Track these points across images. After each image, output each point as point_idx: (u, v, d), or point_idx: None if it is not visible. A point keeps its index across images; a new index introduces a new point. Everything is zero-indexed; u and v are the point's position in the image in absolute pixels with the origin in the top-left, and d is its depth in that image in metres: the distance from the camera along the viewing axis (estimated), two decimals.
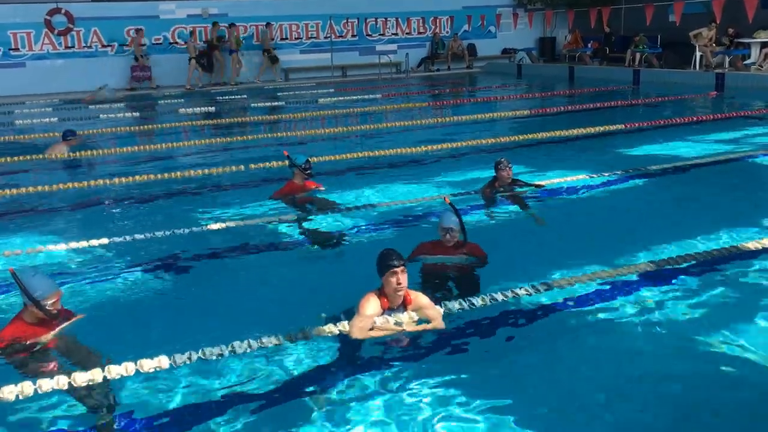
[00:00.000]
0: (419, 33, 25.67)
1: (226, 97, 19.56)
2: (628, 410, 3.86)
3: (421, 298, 4.54)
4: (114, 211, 8.20)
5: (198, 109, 17.13)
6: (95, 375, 4.01)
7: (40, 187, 9.10)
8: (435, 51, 25.38)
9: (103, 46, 21.66)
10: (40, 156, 11.21)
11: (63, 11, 21.00)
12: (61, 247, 6.58)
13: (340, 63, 24.16)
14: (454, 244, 5.37)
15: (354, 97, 18.74)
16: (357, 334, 4.31)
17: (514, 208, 7.50)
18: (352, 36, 24.49)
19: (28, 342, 4.24)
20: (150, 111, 17.69)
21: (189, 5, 22.49)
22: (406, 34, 25.46)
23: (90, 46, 21.55)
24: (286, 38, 23.63)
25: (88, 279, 5.90)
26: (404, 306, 4.49)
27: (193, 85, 21.51)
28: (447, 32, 25.93)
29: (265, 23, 22.88)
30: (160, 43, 22.18)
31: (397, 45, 25.18)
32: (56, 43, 21.20)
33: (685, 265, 5.64)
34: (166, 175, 9.64)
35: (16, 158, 11.20)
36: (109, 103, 18.07)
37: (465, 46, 25.64)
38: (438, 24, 25.84)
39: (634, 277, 5.43)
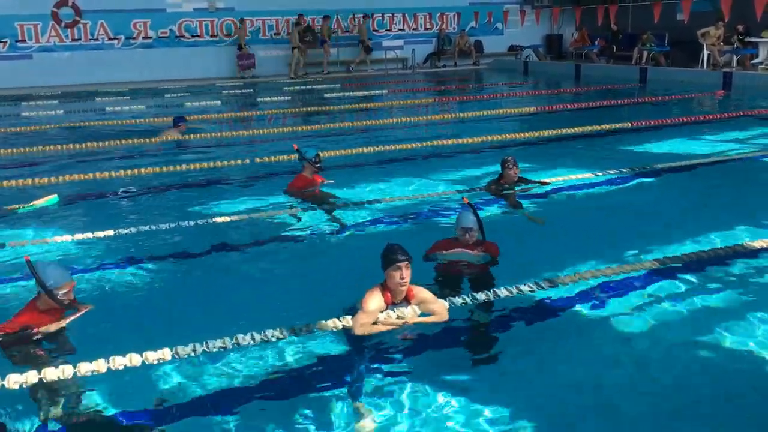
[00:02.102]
0: (426, 29, 25.64)
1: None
2: (633, 405, 3.86)
3: (423, 293, 4.54)
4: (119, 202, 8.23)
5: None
6: (99, 366, 4.02)
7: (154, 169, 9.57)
8: (441, 47, 25.33)
9: (110, 38, 21.69)
10: (153, 140, 11.86)
11: (70, 3, 21.05)
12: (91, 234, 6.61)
13: (345, 58, 24.14)
14: (473, 242, 5.36)
15: (360, 93, 18.71)
16: (360, 330, 4.31)
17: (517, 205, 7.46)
18: (359, 32, 24.45)
19: (39, 329, 4.28)
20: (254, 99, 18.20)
21: None
22: (413, 29, 25.43)
23: (97, 39, 21.58)
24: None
25: (103, 267, 5.94)
26: (407, 300, 4.49)
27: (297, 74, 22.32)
28: (454, 28, 25.88)
29: (362, 15, 23.58)
30: (167, 37, 22.20)
31: (404, 41, 25.16)
32: (63, 36, 21.23)
33: (690, 263, 5.62)
34: (157, 169, 9.65)
35: (132, 141, 11.84)
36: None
37: (472, 42, 25.59)
38: (445, 20, 25.79)
39: (640, 275, 5.42)
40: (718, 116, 13.12)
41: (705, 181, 8.77)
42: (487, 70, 24.73)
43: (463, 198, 5.70)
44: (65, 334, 4.43)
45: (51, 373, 3.93)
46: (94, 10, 21.35)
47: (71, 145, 11.67)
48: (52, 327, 4.32)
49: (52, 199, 7.84)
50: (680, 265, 5.58)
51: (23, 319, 4.31)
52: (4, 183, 8.85)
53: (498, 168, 7.74)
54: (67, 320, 4.40)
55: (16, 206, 7.66)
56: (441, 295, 4.83)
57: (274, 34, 23.46)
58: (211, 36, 22.62)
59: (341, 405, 3.83)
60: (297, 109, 16.65)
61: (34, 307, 4.36)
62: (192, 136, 12.45)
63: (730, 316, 4.79)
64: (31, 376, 3.90)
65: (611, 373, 4.22)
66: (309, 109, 16.61)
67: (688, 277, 5.42)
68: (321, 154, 8.04)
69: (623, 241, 6.30)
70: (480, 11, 26.01)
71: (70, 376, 3.95)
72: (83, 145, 11.53)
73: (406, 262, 4.31)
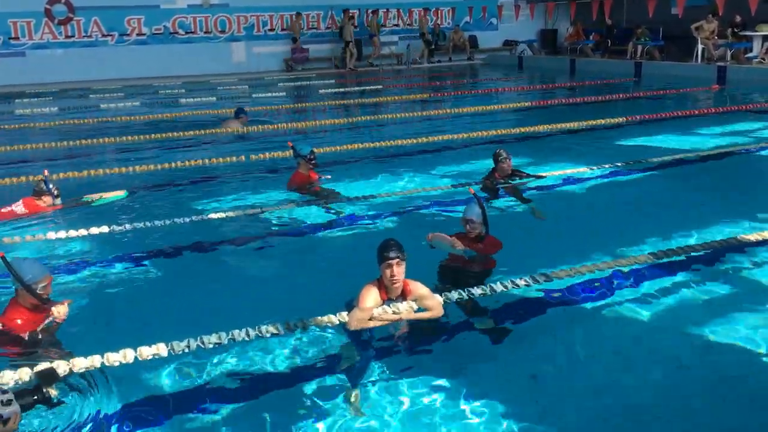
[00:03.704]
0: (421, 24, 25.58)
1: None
2: (636, 403, 3.87)
3: (420, 288, 4.53)
4: None
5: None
6: (94, 361, 4.01)
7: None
8: (435, 42, 25.29)
9: (104, 35, 21.61)
10: (216, 131, 12.27)
11: (63, 0, 20.94)
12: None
13: (340, 54, 24.09)
14: (475, 236, 5.33)
15: (356, 89, 18.69)
16: (355, 326, 4.31)
17: (514, 200, 7.48)
18: (354, 27, 24.39)
19: (28, 325, 4.25)
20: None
21: None
22: (407, 25, 25.39)
23: (90, 36, 21.50)
24: (287, 29, 23.57)
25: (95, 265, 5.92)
26: (403, 296, 4.49)
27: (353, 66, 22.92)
28: (448, 23, 25.85)
29: (423, 8, 24.24)
30: (161, 33, 22.13)
31: (398, 36, 25.12)
32: (56, 33, 21.15)
33: (685, 256, 5.63)
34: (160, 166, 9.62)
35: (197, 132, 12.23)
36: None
37: (466, 37, 25.56)
38: (439, 15, 25.75)
39: (635, 269, 5.43)
40: (713, 110, 13.14)
41: (700, 174, 8.78)
42: (482, 66, 24.72)
43: (469, 189, 5.65)
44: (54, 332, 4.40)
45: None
46: (88, 6, 21.26)
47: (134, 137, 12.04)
48: (62, 313, 4.29)
49: (122, 194, 7.97)
50: (674, 258, 5.59)
51: (14, 317, 4.25)
52: (75, 173, 9.14)
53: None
54: (62, 309, 4.36)
55: (89, 198, 7.74)
56: (439, 289, 4.84)
57: (269, 30, 23.40)
58: (205, 32, 22.54)
59: (336, 400, 3.83)
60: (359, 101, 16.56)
61: (18, 305, 4.30)
62: (253, 128, 12.70)
63: (729, 308, 4.81)
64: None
65: (613, 368, 4.23)
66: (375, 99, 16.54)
67: (684, 270, 5.43)
68: (316, 151, 8.03)
69: (617, 235, 6.30)
70: (474, 6, 26.00)
71: (66, 372, 3.94)
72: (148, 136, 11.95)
73: (397, 260, 4.29)
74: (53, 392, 3.53)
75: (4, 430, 2.83)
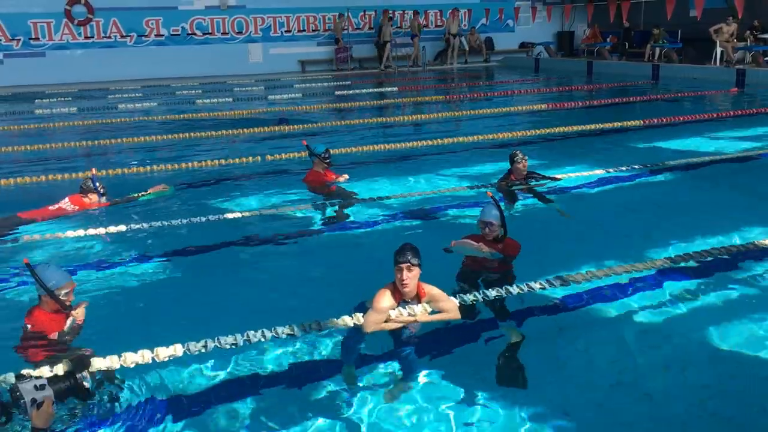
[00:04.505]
0: (436, 26, 25.59)
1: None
2: (656, 406, 3.85)
3: (434, 291, 4.54)
4: None
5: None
6: (113, 362, 4.05)
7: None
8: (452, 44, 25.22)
9: (122, 36, 21.80)
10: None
11: (83, 1, 21.16)
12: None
13: (357, 56, 24.15)
14: (493, 238, 5.33)
15: (371, 90, 18.72)
16: (370, 328, 4.33)
17: (531, 201, 7.46)
18: (369, 28, 24.45)
19: (51, 329, 4.29)
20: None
21: None
22: (423, 27, 25.35)
23: (109, 36, 21.69)
24: (303, 30, 23.66)
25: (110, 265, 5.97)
26: (418, 298, 4.50)
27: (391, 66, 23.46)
28: (464, 26, 25.81)
29: (452, 9, 24.61)
30: (179, 34, 22.29)
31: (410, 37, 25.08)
32: (76, 33, 21.36)
33: (702, 261, 5.60)
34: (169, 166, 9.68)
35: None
36: None
37: (482, 39, 25.51)
38: (455, 17, 25.69)
39: (652, 273, 5.40)
40: (732, 113, 13.03)
41: (718, 178, 8.71)
42: (498, 68, 24.66)
43: (487, 192, 5.65)
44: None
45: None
46: (107, 8, 21.46)
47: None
48: (80, 314, 4.34)
49: (167, 189, 8.10)
50: (692, 263, 5.56)
51: (38, 321, 4.27)
52: (125, 170, 9.39)
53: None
54: (80, 311, 4.41)
55: (136, 195, 7.87)
56: (458, 291, 4.84)
57: (285, 31, 23.49)
58: (223, 33, 22.68)
59: (352, 402, 3.84)
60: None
61: (41, 310, 4.32)
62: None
63: (743, 313, 4.77)
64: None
65: (628, 372, 4.21)
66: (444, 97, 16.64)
67: (700, 275, 5.40)
68: (330, 150, 8.07)
69: (635, 238, 6.29)
70: (491, 8, 25.94)
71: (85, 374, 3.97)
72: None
73: (408, 264, 4.30)
74: (86, 383, 3.57)
75: (38, 414, 2.90)
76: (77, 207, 7.36)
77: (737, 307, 4.94)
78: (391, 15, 23.55)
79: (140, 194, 7.86)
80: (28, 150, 11.48)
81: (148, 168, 9.52)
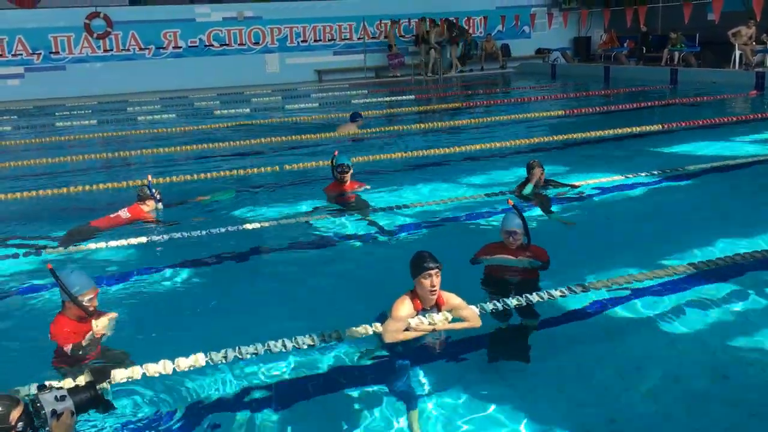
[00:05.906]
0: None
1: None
2: (667, 412, 3.81)
3: (453, 299, 4.53)
4: None
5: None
6: (134, 372, 4.08)
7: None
8: (468, 51, 25.23)
9: (141, 48, 22.04)
10: (333, 134, 12.85)
11: (101, 15, 21.43)
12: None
13: (373, 65, 24.22)
14: (517, 246, 5.31)
15: (388, 99, 18.76)
16: (390, 338, 4.31)
17: (537, 213, 7.37)
18: (385, 37, 24.50)
19: (75, 336, 4.30)
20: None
21: (224, 8, 22.84)
22: (439, 35, 25.33)
23: (128, 49, 21.94)
24: (320, 40, 23.79)
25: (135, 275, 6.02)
26: (437, 307, 4.48)
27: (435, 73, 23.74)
28: (480, 32, 25.80)
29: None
30: (196, 46, 22.49)
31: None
32: (95, 47, 21.63)
33: (722, 267, 5.53)
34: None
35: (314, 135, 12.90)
36: None
37: (499, 46, 25.47)
38: (471, 24, 25.73)
39: (671, 279, 5.35)
40: (752, 117, 12.90)
41: (739, 183, 8.62)
42: (515, 74, 24.60)
43: (508, 200, 5.64)
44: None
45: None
46: (125, 21, 21.73)
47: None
48: (101, 326, 4.34)
49: (229, 192, 8.26)
50: (714, 269, 5.49)
51: (62, 328, 4.30)
52: (188, 176, 9.55)
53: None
54: (101, 322, 4.42)
55: (201, 198, 8.02)
56: (483, 299, 4.84)
57: (302, 41, 23.62)
58: (240, 44, 22.86)
59: (373, 411, 3.84)
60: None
61: (65, 316, 4.34)
62: (365, 130, 13.06)
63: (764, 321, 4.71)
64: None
65: (645, 380, 4.17)
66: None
67: (719, 281, 5.33)
68: (347, 164, 8.04)
69: (655, 244, 6.22)
70: (507, 14, 25.89)
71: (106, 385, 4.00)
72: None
73: (437, 270, 4.30)
74: (107, 391, 3.59)
75: (58, 425, 2.91)
76: (133, 216, 7.38)
77: (760, 314, 4.87)
78: (443, 22, 23.97)
79: (204, 198, 7.95)
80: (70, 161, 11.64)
81: (200, 176, 9.64)
